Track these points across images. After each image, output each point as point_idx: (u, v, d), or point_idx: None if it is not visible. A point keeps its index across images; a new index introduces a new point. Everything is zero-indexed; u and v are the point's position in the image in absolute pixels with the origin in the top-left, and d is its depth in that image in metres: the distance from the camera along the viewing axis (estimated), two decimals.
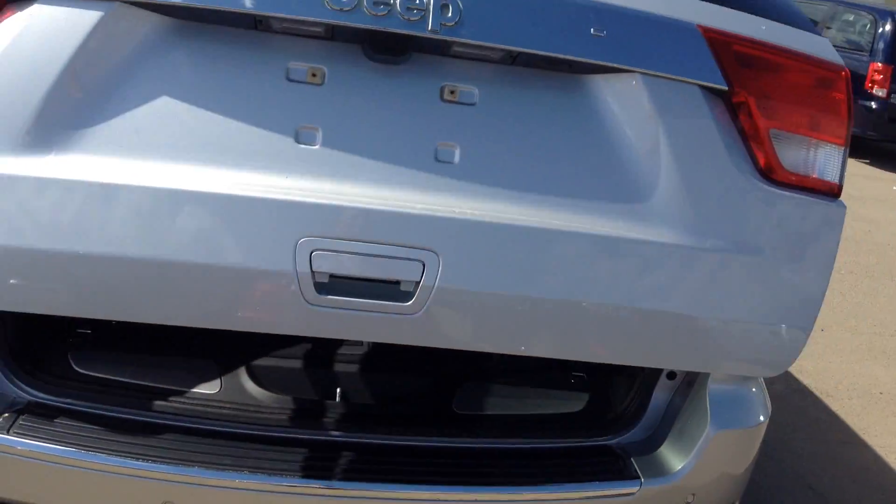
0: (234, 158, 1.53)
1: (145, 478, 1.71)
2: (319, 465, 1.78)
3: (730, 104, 1.69)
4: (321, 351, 2.18)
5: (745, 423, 1.99)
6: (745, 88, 1.68)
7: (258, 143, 1.55)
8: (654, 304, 1.68)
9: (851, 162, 10.78)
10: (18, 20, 1.48)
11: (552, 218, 1.61)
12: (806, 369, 4.62)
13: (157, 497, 1.72)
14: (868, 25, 11.04)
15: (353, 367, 2.14)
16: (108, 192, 1.48)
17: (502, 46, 1.57)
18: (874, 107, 10.58)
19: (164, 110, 1.53)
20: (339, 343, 2.18)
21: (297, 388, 2.02)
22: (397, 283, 1.58)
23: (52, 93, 1.48)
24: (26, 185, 1.47)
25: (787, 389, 4.37)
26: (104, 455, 1.71)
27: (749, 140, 1.70)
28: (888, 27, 10.66)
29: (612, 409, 2.08)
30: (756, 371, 1.91)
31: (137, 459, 1.71)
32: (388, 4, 1.51)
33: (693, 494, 1.93)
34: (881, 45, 10.67)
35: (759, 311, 1.75)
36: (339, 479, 1.75)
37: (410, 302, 1.57)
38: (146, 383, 1.94)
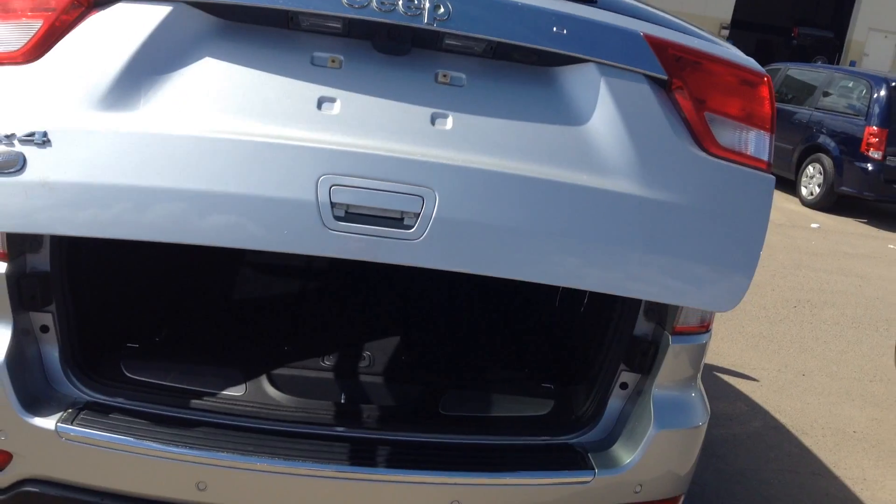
0: (271, 118, 1.93)
1: (182, 461, 2.09)
2: (325, 453, 2.16)
3: (670, 91, 2.12)
4: (330, 362, 2.58)
5: (685, 424, 2.35)
6: (682, 80, 2.12)
7: (289, 107, 1.95)
8: (615, 240, 2.02)
9: (848, 221, 11.15)
10: (104, 15, 1.93)
11: (526, 169, 2.00)
12: (784, 409, 4.92)
13: (192, 477, 2.10)
14: (864, 91, 11.50)
15: (356, 376, 2.53)
16: (169, 140, 1.87)
17: (484, 37, 1.99)
18: (870, 168, 10.98)
19: (214, 85, 1.94)
20: (346, 356, 2.58)
21: (308, 391, 2.41)
22: (401, 214, 1.92)
23: (127, 67, 1.91)
24: (104, 135, 1.86)
25: (765, 427, 4.67)
26: (148, 442, 2.10)
27: (689, 119, 2.11)
28: (883, 93, 11.12)
29: (573, 413, 2.46)
30: (708, 304, 2.20)
31: (176, 446, 2.10)
32: (392, 3, 1.93)
33: (640, 485, 2.29)
34: (876, 110, 11.11)
35: (704, 252, 2.09)
36: (342, 465, 2.13)
37: (412, 229, 1.91)
38: (184, 386, 2.34)
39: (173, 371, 2.39)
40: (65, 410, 2.13)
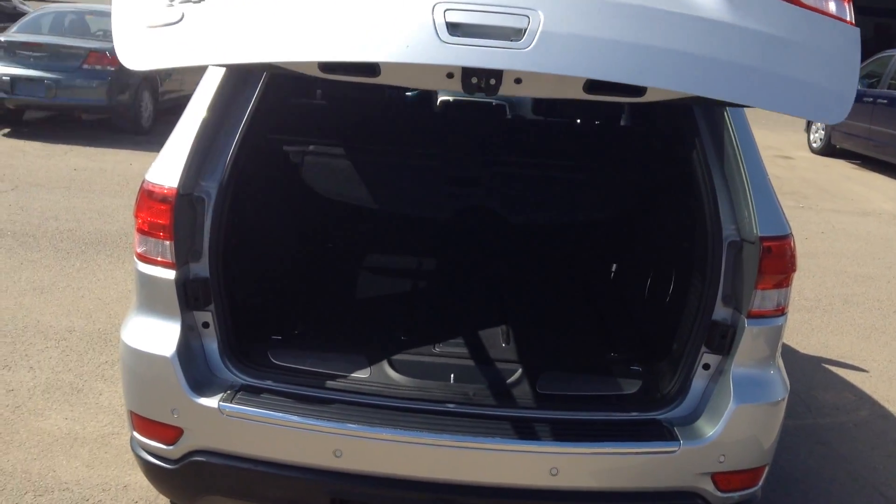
0: None
1: (322, 432, 2.47)
2: (439, 425, 2.49)
3: None
4: (440, 349, 2.94)
5: (764, 399, 2.57)
6: None
7: None
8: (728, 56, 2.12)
9: None
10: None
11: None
12: (893, 399, 4.94)
13: (330, 446, 2.48)
14: None
15: (464, 361, 2.88)
16: None
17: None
18: None
19: None
20: (454, 343, 2.94)
21: (423, 373, 2.77)
22: (510, 29, 2.07)
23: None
24: None
25: (872, 415, 4.72)
26: (293, 416, 2.49)
27: None
28: None
29: (659, 391, 2.71)
30: (816, 115, 2.29)
31: (316, 419, 2.49)
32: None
33: (723, 455, 2.53)
34: None
35: (811, 76, 2.20)
36: (453, 435, 2.46)
37: (522, 39, 2.04)
38: (320, 370, 2.73)
39: (311, 358, 2.79)
40: (224, 392, 2.56)
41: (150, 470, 2.68)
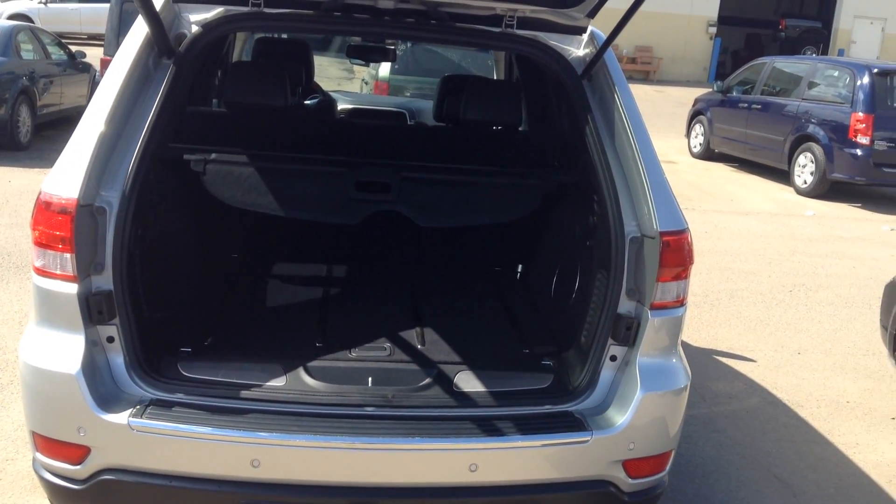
0: None
1: (238, 442, 2.43)
2: (358, 429, 2.50)
3: None
4: (356, 353, 2.94)
5: (669, 387, 2.69)
6: None
7: None
8: None
9: (843, 206, 11.46)
10: None
11: None
12: (780, 385, 5.24)
13: (247, 456, 2.44)
14: (848, 79, 11.85)
15: (381, 364, 2.89)
16: None
17: None
18: (859, 154, 11.30)
19: None
20: (369, 347, 2.96)
21: (339, 378, 2.76)
22: None
23: None
24: None
25: (762, 402, 4.98)
26: (207, 427, 2.44)
27: None
28: (865, 80, 11.46)
29: (570, 384, 2.80)
30: None
31: (231, 430, 2.45)
32: None
33: (633, 442, 2.63)
34: (861, 97, 11.44)
35: None
36: (373, 437, 2.47)
37: None
38: (233, 380, 2.68)
39: (223, 368, 2.74)
40: (133, 407, 2.48)
41: (55, 492, 2.56)
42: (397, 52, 6.01)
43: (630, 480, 2.68)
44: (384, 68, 9.89)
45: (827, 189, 11.83)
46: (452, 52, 9.65)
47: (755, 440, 4.44)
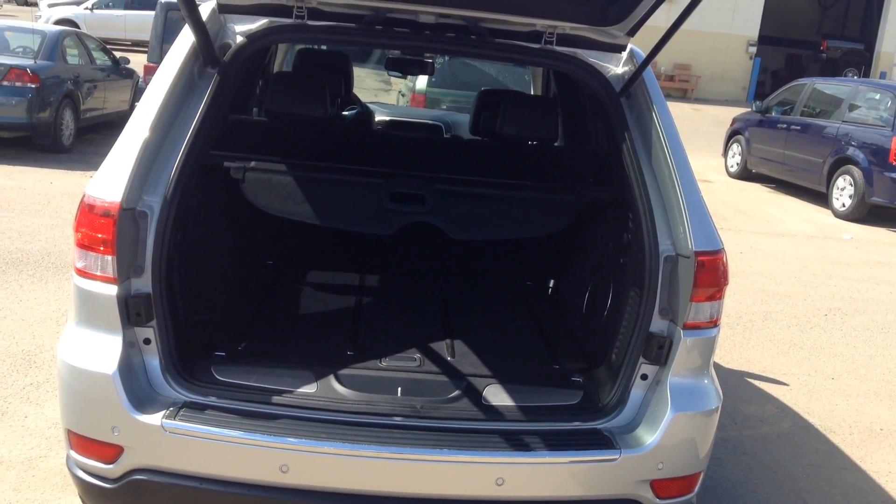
0: None
1: (267, 447, 2.46)
2: (386, 438, 2.51)
3: None
4: (386, 363, 2.96)
5: (699, 407, 2.67)
6: None
7: None
8: None
9: (881, 231, 11.28)
10: None
11: None
12: (813, 410, 5.16)
13: (276, 461, 2.46)
14: (889, 102, 11.69)
15: (410, 375, 2.90)
16: None
17: None
18: None
19: None
20: (400, 357, 2.97)
21: (369, 387, 2.78)
22: None
23: None
24: None
25: (794, 427, 4.92)
26: (238, 431, 2.47)
27: None
28: None
29: (599, 402, 2.79)
30: None
31: (261, 434, 2.47)
32: None
33: (662, 462, 2.61)
34: None
35: None
36: (400, 447, 2.48)
37: None
38: (266, 385, 2.71)
39: (255, 373, 2.77)
40: (167, 409, 2.52)
41: (87, 490, 2.61)
42: (435, 65, 6.06)
43: (658, 501, 2.66)
44: (421, 81, 9.96)
45: (865, 213, 11.66)
46: (489, 66, 9.69)
47: (785, 465, 4.38)
